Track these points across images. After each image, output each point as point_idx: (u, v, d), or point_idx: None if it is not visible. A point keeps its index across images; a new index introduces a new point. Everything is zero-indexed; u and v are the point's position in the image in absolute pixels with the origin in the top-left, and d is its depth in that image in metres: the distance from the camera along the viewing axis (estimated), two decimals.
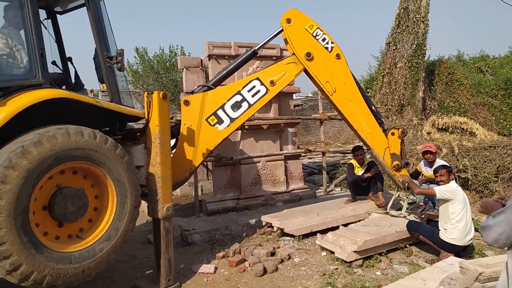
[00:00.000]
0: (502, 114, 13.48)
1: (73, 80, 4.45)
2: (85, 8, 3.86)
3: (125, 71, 4.19)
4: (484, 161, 6.92)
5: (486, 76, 15.86)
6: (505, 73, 14.94)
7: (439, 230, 4.45)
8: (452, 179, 4.56)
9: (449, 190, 4.46)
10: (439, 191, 4.49)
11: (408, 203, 5.35)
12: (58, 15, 4.46)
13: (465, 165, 6.94)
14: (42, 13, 4.18)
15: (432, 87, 13.48)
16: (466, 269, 3.36)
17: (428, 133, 9.68)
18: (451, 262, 3.71)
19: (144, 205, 4.16)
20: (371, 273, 4.22)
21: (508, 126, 13.12)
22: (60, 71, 4.39)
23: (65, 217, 3.22)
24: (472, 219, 5.61)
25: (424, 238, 4.59)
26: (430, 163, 6.08)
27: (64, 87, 4.21)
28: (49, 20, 4.39)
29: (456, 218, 4.30)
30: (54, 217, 3.19)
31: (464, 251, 4.40)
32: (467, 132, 10.08)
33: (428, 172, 6.08)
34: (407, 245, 4.82)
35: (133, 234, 4.50)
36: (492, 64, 17.03)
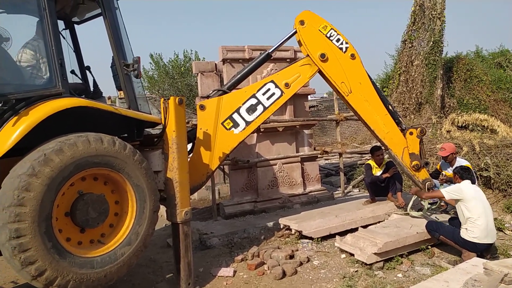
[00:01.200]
0: None
1: (91, 89, 4.54)
2: (102, 17, 3.95)
3: (141, 78, 4.27)
4: (507, 159, 6.73)
5: (506, 71, 15.44)
6: None
7: (460, 229, 4.36)
8: (465, 179, 4.45)
9: (455, 189, 4.41)
10: (446, 192, 4.47)
11: (429, 203, 5.26)
12: (75, 25, 4.57)
13: (486, 163, 6.77)
14: (60, 24, 4.29)
15: (450, 85, 13.21)
16: (490, 270, 3.27)
17: (448, 132, 9.48)
18: (475, 263, 3.62)
19: (162, 209, 4.21)
20: (393, 276, 4.16)
21: None
22: (80, 81, 4.49)
23: (87, 223, 3.29)
24: (496, 218, 5.49)
25: (445, 238, 4.50)
26: (450, 163, 5.95)
27: (83, 96, 4.31)
28: (67, 30, 4.51)
29: (474, 216, 4.20)
30: (76, 223, 3.26)
31: (487, 251, 4.29)
32: (488, 130, 9.82)
33: (449, 171, 5.95)
34: (429, 246, 4.73)
35: (152, 239, 4.56)
36: None
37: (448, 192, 4.44)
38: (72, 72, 4.40)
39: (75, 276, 3.06)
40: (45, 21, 3.37)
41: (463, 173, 4.49)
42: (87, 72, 4.60)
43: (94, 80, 4.56)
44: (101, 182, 3.48)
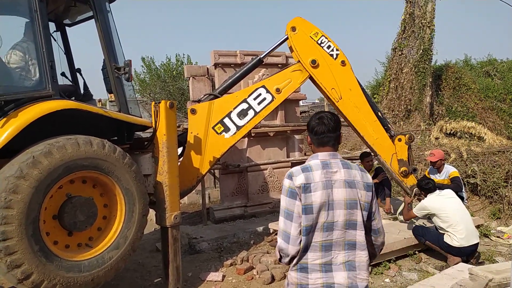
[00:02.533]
0: (511, 118, 13.34)
1: (82, 91, 4.53)
2: (93, 20, 3.95)
3: (133, 81, 4.27)
4: (493, 166, 6.86)
5: (494, 80, 15.71)
6: None
7: (444, 235, 4.43)
8: (428, 193, 4.63)
9: (420, 207, 4.61)
10: (416, 212, 4.69)
11: None
12: (67, 27, 4.56)
13: (474, 170, 6.88)
14: (52, 26, 4.28)
15: (439, 92, 13.40)
16: (475, 275, 3.34)
17: (436, 139, 9.61)
18: (461, 269, 3.68)
19: (152, 213, 4.19)
20: (380, 280, 4.19)
21: None
22: (70, 83, 4.47)
23: (74, 226, 3.26)
24: (482, 225, 5.58)
25: (430, 243, 4.57)
26: (438, 169, 6.03)
27: (73, 98, 4.30)
28: (58, 33, 4.50)
29: (452, 225, 4.30)
30: (64, 226, 3.24)
31: (472, 254, 4.35)
32: (476, 137, 9.98)
33: (436, 178, 6.03)
34: (416, 252, 4.78)
35: (141, 243, 4.53)
36: (500, 68, 16.87)
37: (417, 211, 4.66)
38: (63, 74, 4.38)
39: (62, 279, 3.03)
40: (36, 23, 3.36)
41: (423, 187, 4.68)
42: (78, 74, 4.59)
43: (84, 82, 4.56)
44: (90, 185, 3.47)
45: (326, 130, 1.96)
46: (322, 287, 1.86)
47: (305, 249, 1.88)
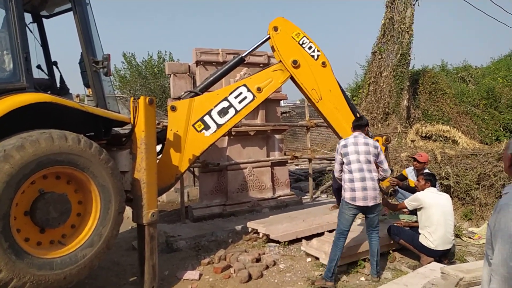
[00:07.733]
0: (484, 123, 13.80)
1: (58, 85, 4.41)
2: (71, 12, 3.85)
3: (112, 76, 4.21)
4: (466, 168, 7.06)
5: (468, 85, 16.23)
6: (487, 83, 15.34)
7: (419, 235, 4.52)
8: (429, 186, 4.62)
9: (415, 199, 4.60)
10: (407, 203, 4.67)
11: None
12: (44, 19, 4.43)
13: (447, 172, 7.07)
14: (28, 17, 4.15)
15: (416, 96, 13.73)
16: (447, 274, 3.42)
17: (412, 141, 9.84)
18: (433, 268, 3.78)
19: (129, 211, 4.13)
20: (355, 279, 4.26)
21: (489, 134, 13.43)
22: (46, 76, 4.35)
23: (47, 223, 3.18)
24: (454, 225, 5.73)
25: (405, 242, 4.65)
26: (418, 171, 6.10)
27: (49, 91, 4.18)
28: (35, 24, 4.37)
29: (433, 224, 4.36)
30: (36, 222, 3.15)
31: (445, 256, 4.47)
32: (450, 140, 10.27)
33: (412, 179, 6.14)
34: (391, 251, 4.88)
35: (117, 241, 4.46)
36: (475, 74, 17.46)
37: (408, 202, 4.65)
38: (38, 67, 4.26)
39: (32, 277, 2.94)
40: (11, 13, 3.26)
41: (431, 179, 4.69)
42: (54, 67, 4.46)
43: (61, 76, 4.44)
44: (64, 181, 3.38)
45: (358, 124, 4.34)
46: (362, 188, 3.93)
47: (350, 171, 4.01)
